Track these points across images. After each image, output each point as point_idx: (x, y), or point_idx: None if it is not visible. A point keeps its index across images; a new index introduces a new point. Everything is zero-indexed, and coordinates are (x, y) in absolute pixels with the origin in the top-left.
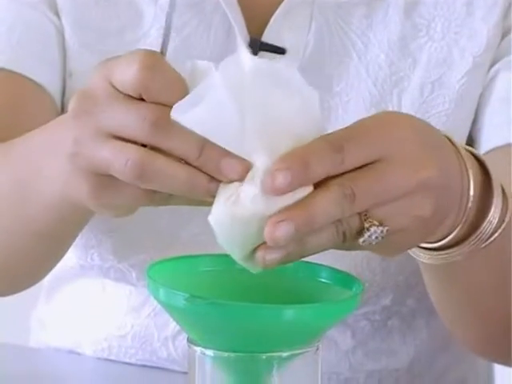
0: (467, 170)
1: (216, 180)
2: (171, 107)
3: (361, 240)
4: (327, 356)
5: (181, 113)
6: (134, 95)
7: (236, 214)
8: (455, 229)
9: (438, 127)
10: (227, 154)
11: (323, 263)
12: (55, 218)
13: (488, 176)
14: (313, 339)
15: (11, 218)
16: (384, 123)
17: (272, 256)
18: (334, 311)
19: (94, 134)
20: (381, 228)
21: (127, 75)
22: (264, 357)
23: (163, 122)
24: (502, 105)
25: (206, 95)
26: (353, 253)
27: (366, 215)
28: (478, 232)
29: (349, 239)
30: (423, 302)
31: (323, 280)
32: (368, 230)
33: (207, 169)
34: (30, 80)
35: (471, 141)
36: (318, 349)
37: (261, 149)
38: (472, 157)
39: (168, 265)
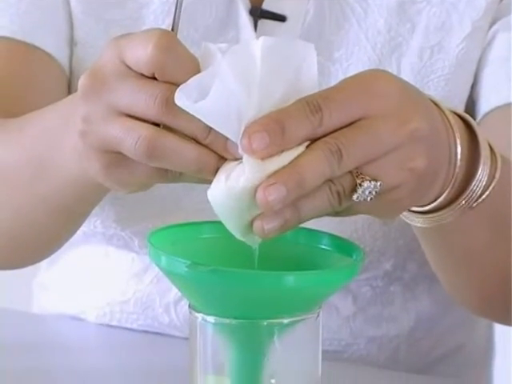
0: (453, 129)
1: (225, 160)
2: None
3: (355, 196)
4: (328, 322)
5: (185, 98)
6: (147, 74)
7: (229, 188)
8: (445, 190)
9: (437, 92)
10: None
11: (324, 230)
12: (72, 194)
13: (475, 135)
14: (314, 306)
15: (27, 194)
16: (364, 80)
17: (270, 225)
18: (335, 278)
19: (104, 112)
20: (374, 183)
21: (141, 54)
22: (265, 323)
23: (174, 101)
24: (501, 65)
25: (213, 84)
26: (353, 218)
27: (357, 172)
28: (468, 191)
29: (343, 199)
30: (424, 268)
31: (324, 247)
32: (361, 185)
33: (215, 148)
34: (39, 49)
35: (471, 103)
36: (318, 315)
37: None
38: (457, 117)
39: (169, 232)
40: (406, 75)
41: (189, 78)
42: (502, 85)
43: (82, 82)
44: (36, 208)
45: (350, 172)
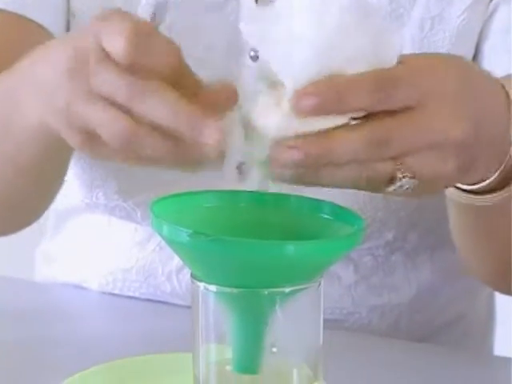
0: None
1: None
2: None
3: (391, 188)
4: (330, 290)
5: (250, 28)
6: (123, 65)
7: (263, 127)
8: (496, 172)
9: None
10: (202, 117)
11: (325, 199)
12: (36, 152)
13: None
14: (315, 275)
15: None
16: (430, 67)
17: (282, 172)
18: (337, 247)
19: (86, 95)
20: (413, 180)
21: (115, 46)
22: (266, 292)
23: (146, 88)
24: (502, 37)
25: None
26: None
27: (399, 164)
28: None
29: (373, 185)
30: (426, 239)
31: (326, 216)
32: (400, 179)
33: (183, 133)
34: (33, 22)
35: None
36: (320, 284)
37: (315, 74)
38: None
39: (172, 201)
40: (407, 46)
41: (165, 68)
42: (504, 56)
43: (67, 54)
44: (6, 167)
45: (393, 161)
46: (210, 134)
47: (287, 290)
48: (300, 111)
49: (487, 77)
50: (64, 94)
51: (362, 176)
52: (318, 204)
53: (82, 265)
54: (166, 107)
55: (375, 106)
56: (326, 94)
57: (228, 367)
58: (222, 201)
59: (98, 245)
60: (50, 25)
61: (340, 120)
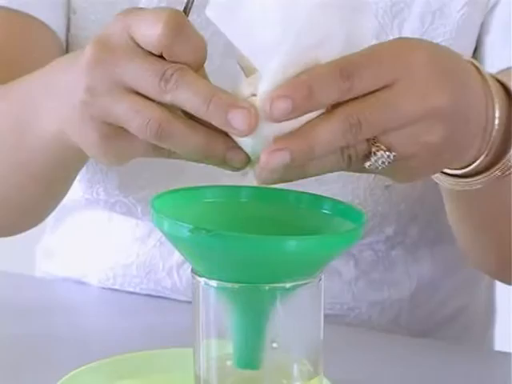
0: (492, 98)
1: (233, 149)
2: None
3: (367, 164)
4: (330, 286)
5: (216, 11)
6: (156, 53)
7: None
8: (480, 156)
9: None
10: (235, 104)
11: (325, 193)
12: (51, 160)
13: None
14: (316, 270)
15: (10, 160)
16: (396, 48)
17: (268, 176)
18: (337, 242)
19: (111, 86)
20: (387, 153)
21: (150, 33)
22: (267, 287)
23: (179, 80)
24: (503, 30)
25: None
26: (355, 183)
27: (373, 140)
28: (504, 160)
29: (354, 163)
30: (426, 233)
31: (326, 211)
32: (375, 154)
33: (215, 122)
34: (34, 18)
35: None
36: (320, 279)
37: (285, 56)
38: (498, 84)
39: (172, 196)
40: None
41: (195, 61)
42: (506, 49)
43: (89, 51)
44: (18, 174)
45: (366, 139)
46: (242, 119)
47: (288, 285)
48: (274, 118)
49: (457, 56)
50: (86, 84)
51: (343, 159)
52: (318, 199)
53: (83, 260)
54: (199, 93)
55: (345, 95)
56: (296, 95)
57: (229, 362)
58: (223, 196)
59: (98, 240)
60: (52, 22)
61: (313, 113)
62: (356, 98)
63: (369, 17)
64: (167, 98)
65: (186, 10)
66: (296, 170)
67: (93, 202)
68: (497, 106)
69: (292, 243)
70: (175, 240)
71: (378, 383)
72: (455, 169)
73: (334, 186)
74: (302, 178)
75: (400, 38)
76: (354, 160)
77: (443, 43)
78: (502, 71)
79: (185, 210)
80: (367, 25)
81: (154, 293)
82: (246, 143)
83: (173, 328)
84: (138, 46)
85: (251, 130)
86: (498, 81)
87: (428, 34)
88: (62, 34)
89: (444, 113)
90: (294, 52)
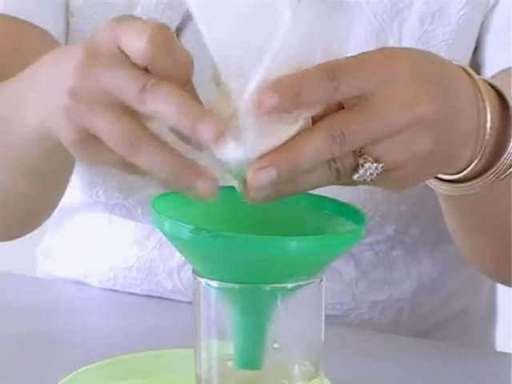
0: (484, 102)
1: (202, 180)
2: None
3: (355, 176)
4: (331, 286)
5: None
6: (140, 66)
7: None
8: (473, 161)
9: None
10: (204, 115)
11: (326, 194)
12: (37, 152)
13: (507, 107)
14: (317, 271)
15: None
16: (382, 56)
17: (256, 195)
18: (339, 243)
19: (93, 94)
20: (375, 164)
21: (136, 46)
22: (268, 288)
23: (159, 90)
24: (503, 30)
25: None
26: None
27: (360, 152)
28: (498, 164)
29: (343, 176)
30: (426, 232)
31: (327, 212)
32: (362, 166)
33: (185, 131)
34: (32, 25)
35: (476, 68)
36: (321, 280)
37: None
38: (490, 88)
39: (173, 197)
40: (408, 41)
41: (181, 74)
42: (506, 49)
43: (77, 55)
44: (7, 171)
45: (353, 151)
46: (209, 130)
47: (289, 285)
48: (262, 110)
49: (445, 62)
50: (70, 88)
51: (331, 173)
52: (319, 200)
53: (83, 261)
54: (172, 103)
55: (331, 96)
56: (283, 92)
57: (230, 363)
58: (224, 197)
59: (98, 242)
60: (51, 28)
61: (300, 127)
62: (339, 110)
63: (348, 17)
64: (144, 108)
65: (181, 28)
66: (285, 186)
67: (93, 205)
68: (488, 110)
69: (293, 244)
70: (176, 241)
71: (379, 383)
72: (449, 174)
73: (334, 186)
74: (292, 195)
75: (386, 48)
76: (343, 173)
77: (443, 43)
78: (502, 71)
79: (186, 211)
80: (342, 35)
81: (154, 294)
82: (232, 163)
83: (173, 329)
84: (126, 56)
85: (216, 138)
86: (490, 85)
87: (428, 34)
88: (61, 40)
89: (429, 120)
90: (273, 67)
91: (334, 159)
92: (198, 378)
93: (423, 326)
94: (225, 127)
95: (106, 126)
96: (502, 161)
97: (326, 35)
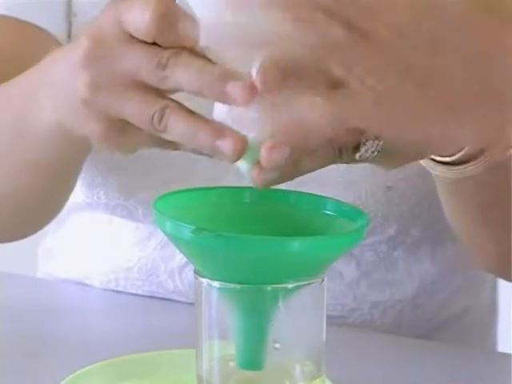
0: None
1: (232, 139)
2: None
3: (357, 155)
4: (332, 287)
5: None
6: (148, 41)
7: None
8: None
9: None
10: (229, 76)
11: (328, 195)
12: (51, 151)
13: None
14: (318, 271)
15: (12, 153)
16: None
17: (268, 175)
18: (340, 243)
19: (110, 81)
20: (377, 142)
21: (140, 22)
22: (270, 288)
23: (175, 62)
24: None
25: None
26: (356, 184)
27: (361, 130)
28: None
29: (345, 155)
30: (427, 232)
31: (328, 212)
32: (364, 144)
33: (213, 97)
34: (34, 26)
35: None
36: (323, 280)
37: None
38: None
39: (175, 197)
40: None
41: (190, 41)
42: None
43: (81, 46)
44: (19, 171)
45: (353, 130)
46: (238, 89)
47: (290, 286)
48: (267, 87)
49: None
50: (84, 81)
51: (334, 152)
52: (321, 201)
53: (84, 262)
54: (195, 72)
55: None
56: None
57: (231, 363)
58: (225, 197)
59: (99, 243)
60: (52, 28)
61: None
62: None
63: None
64: (168, 85)
65: None
66: (290, 168)
67: (93, 206)
68: None
69: (295, 244)
70: (177, 241)
71: None
72: (445, 156)
73: (336, 187)
74: (296, 177)
75: None
76: (345, 152)
77: None
78: None
79: (187, 211)
80: None
81: (156, 295)
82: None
83: (175, 329)
84: (131, 35)
85: (249, 99)
86: None
87: None
88: (63, 40)
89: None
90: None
91: (336, 139)
92: (200, 379)
93: (425, 327)
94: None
95: (131, 107)
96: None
97: None
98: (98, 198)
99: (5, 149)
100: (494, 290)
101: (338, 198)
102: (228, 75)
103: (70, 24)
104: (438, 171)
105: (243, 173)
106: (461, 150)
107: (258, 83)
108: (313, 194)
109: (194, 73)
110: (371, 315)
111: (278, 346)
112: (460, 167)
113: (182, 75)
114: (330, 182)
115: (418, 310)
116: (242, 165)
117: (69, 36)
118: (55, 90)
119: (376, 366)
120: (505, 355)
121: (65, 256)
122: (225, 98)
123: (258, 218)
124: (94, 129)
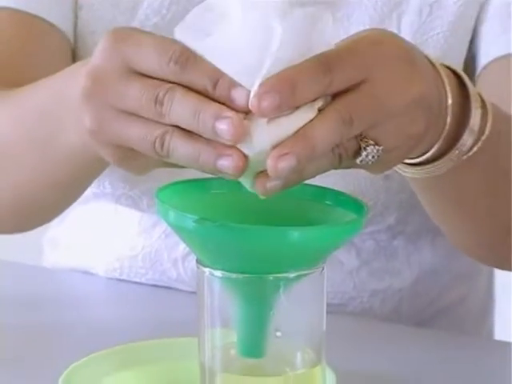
0: (443, 82)
1: (231, 155)
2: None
3: (358, 160)
4: (332, 275)
5: (189, 34)
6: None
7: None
8: (435, 143)
9: (436, 49)
10: (220, 113)
11: (327, 184)
12: (72, 170)
13: (466, 89)
14: (318, 260)
15: (28, 170)
16: (373, 41)
17: (272, 183)
18: (340, 233)
19: (113, 114)
20: (377, 147)
21: (157, 67)
22: (271, 278)
23: (171, 99)
24: (499, 19)
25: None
26: (355, 173)
27: (361, 136)
28: (459, 144)
29: (345, 160)
30: (427, 221)
31: (328, 202)
32: (365, 149)
33: (206, 134)
34: (41, 19)
35: (471, 59)
36: (323, 269)
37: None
38: (448, 70)
39: (178, 187)
40: (406, 33)
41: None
42: (501, 37)
43: (83, 84)
44: (36, 184)
45: (355, 136)
46: (227, 127)
47: (291, 275)
48: (262, 113)
49: (415, 46)
50: (87, 116)
51: (335, 158)
52: (321, 191)
53: (89, 251)
54: (188, 108)
55: (327, 89)
56: (279, 86)
57: (233, 351)
58: (228, 188)
59: (104, 232)
60: (59, 22)
61: (308, 115)
62: (341, 94)
63: (327, 22)
64: (166, 121)
65: None
66: (295, 175)
67: (99, 195)
68: (448, 89)
69: (295, 234)
70: (180, 231)
71: (379, 371)
72: (413, 158)
73: (334, 176)
74: (298, 183)
75: (373, 30)
76: (345, 158)
77: (440, 35)
78: (497, 59)
79: (190, 201)
80: (326, 31)
81: (159, 283)
82: (248, 154)
83: (178, 318)
84: (130, 70)
85: (238, 137)
86: (446, 67)
87: (426, 25)
88: (70, 34)
89: (426, 101)
90: (275, 68)
91: (337, 145)
92: (202, 366)
93: (424, 315)
94: (243, 126)
95: (133, 135)
96: (462, 141)
97: (318, 38)
98: (103, 187)
99: (22, 163)
100: (490, 278)
101: (338, 187)
102: (221, 114)
103: (76, 17)
104: (407, 173)
105: (246, 186)
106: (427, 151)
107: (253, 108)
108: (313, 185)
109: (188, 112)
110: (371, 303)
111: (279, 334)
112: (427, 166)
113: (177, 114)
114: (330, 172)
115: (416, 298)
116: (245, 181)
117: (75, 29)
118: (77, 116)
119: (375, 354)
120: (502, 343)
121: (70, 245)
122: (217, 138)
123: (258, 208)
124: (109, 155)
